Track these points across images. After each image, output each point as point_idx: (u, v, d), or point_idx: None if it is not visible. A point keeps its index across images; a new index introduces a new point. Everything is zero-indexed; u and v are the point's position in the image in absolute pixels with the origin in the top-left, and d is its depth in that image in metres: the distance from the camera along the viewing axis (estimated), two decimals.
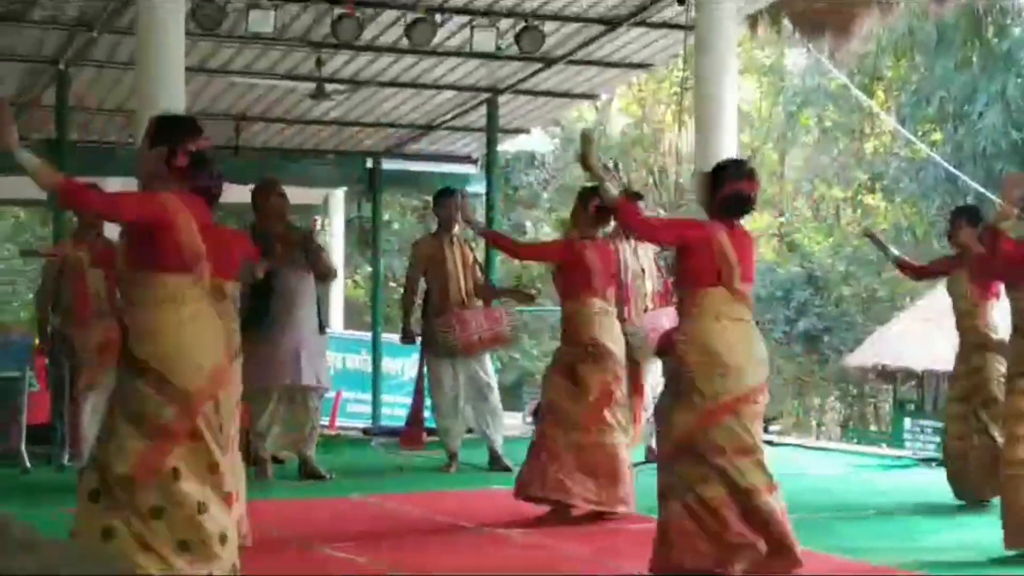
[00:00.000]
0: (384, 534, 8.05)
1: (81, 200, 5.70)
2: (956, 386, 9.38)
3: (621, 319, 9.62)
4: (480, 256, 12.76)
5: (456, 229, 11.19)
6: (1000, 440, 8.13)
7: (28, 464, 10.90)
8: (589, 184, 8.64)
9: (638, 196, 11.00)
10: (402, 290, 11.97)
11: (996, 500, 7.97)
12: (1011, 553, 7.04)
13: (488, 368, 11.24)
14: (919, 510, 9.10)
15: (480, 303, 11.04)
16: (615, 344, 8.53)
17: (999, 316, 8.94)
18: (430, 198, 22.36)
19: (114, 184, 12.79)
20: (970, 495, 9.07)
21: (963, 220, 9.20)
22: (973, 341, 9.09)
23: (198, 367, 5.47)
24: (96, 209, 6.19)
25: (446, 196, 11.38)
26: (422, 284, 11.20)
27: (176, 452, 5.40)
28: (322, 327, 10.62)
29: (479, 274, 11.27)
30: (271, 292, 9.91)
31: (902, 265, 9.94)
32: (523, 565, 7.15)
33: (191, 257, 5.54)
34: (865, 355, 24.63)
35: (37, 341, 11.70)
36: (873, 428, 28.87)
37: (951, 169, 22.43)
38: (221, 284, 6.60)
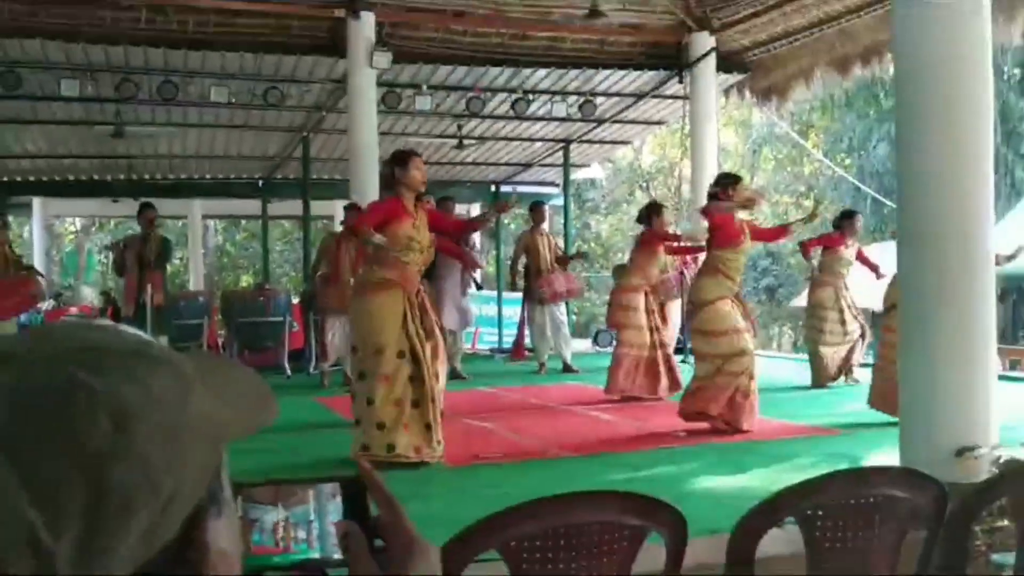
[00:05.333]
0: (500, 410, 8.14)
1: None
2: None
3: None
4: (560, 242, 12.78)
5: (544, 225, 11.17)
6: None
7: (289, 373, 11.18)
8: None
9: (661, 206, 11.04)
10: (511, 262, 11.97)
11: None
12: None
13: (563, 311, 11.23)
14: (830, 391, 9.00)
15: (559, 268, 10.99)
16: None
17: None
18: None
19: (338, 204, 13.05)
20: None
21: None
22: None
23: None
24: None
25: (537, 205, 11.41)
26: (523, 259, 11.21)
27: None
28: (466, 290, 10.70)
29: (559, 252, 11.25)
30: (434, 265, 10.07)
31: None
32: (582, 426, 7.23)
33: None
34: (803, 299, 24.19)
35: (297, 299, 11.90)
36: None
37: (857, 183, 22.04)
38: None
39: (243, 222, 29.33)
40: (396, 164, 5.74)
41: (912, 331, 4.43)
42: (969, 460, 3.98)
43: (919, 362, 4.38)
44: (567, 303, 11.91)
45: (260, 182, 17.02)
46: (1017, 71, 24.81)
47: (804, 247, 9.61)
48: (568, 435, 6.72)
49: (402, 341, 5.53)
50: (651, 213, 9.04)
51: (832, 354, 9.23)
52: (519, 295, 11.96)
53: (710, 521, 3.68)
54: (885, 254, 9.30)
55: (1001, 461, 3.90)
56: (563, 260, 11.20)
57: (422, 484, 5.12)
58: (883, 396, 6.87)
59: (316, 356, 10.75)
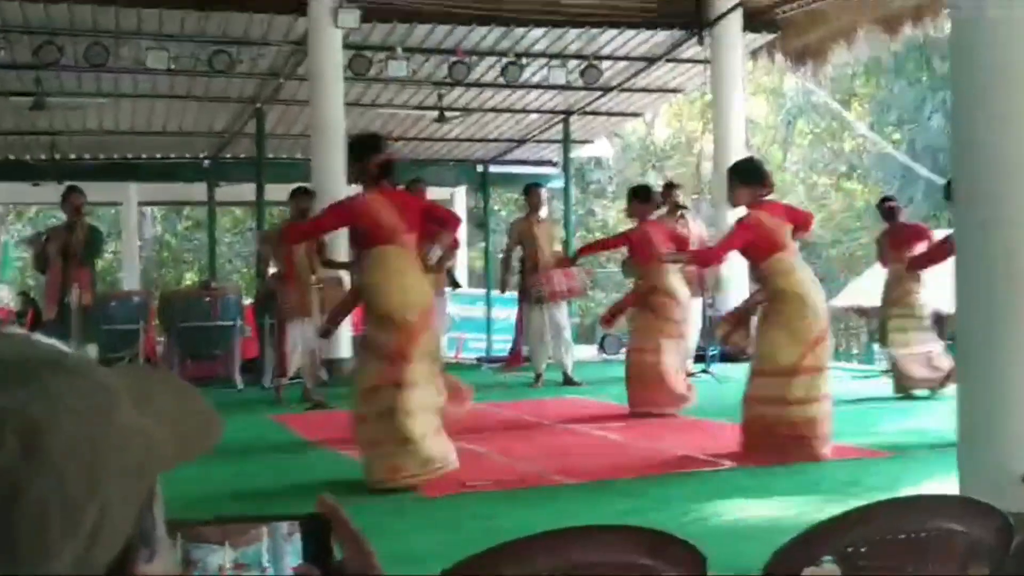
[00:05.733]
0: (490, 429, 8.10)
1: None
2: None
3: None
4: (560, 232, 12.80)
5: (542, 212, 11.20)
6: None
7: (241, 386, 11.17)
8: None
9: (676, 186, 11.09)
10: (502, 255, 12.06)
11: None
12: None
13: (564, 313, 11.25)
14: (878, 406, 9.02)
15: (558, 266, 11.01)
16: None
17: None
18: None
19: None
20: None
21: None
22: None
23: (405, 307, 5.72)
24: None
25: (533, 187, 11.40)
26: (518, 251, 11.25)
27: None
28: (441, 288, 10.82)
29: (559, 245, 11.23)
30: None
31: None
32: (585, 448, 7.24)
33: (390, 233, 5.77)
34: (846, 298, 24.33)
35: (251, 300, 11.86)
36: (854, 351, 28.47)
37: (907, 160, 22.15)
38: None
39: (186, 209, 29.29)
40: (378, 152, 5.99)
41: (971, 336, 4.44)
42: None
43: (979, 372, 4.40)
44: (569, 303, 11.91)
45: (206, 162, 17.01)
46: None
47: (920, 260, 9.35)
48: (569, 458, 6.72)
49: None
50: (639, 200, 8.89)
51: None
52: (513, 294, 11.94)
53: (734, 558, 3.68)
54: None
55: None
56: (564, 260, 11.14)
57: (397, 518, 5.13)
58: None
59: (273, 367, 10.73)
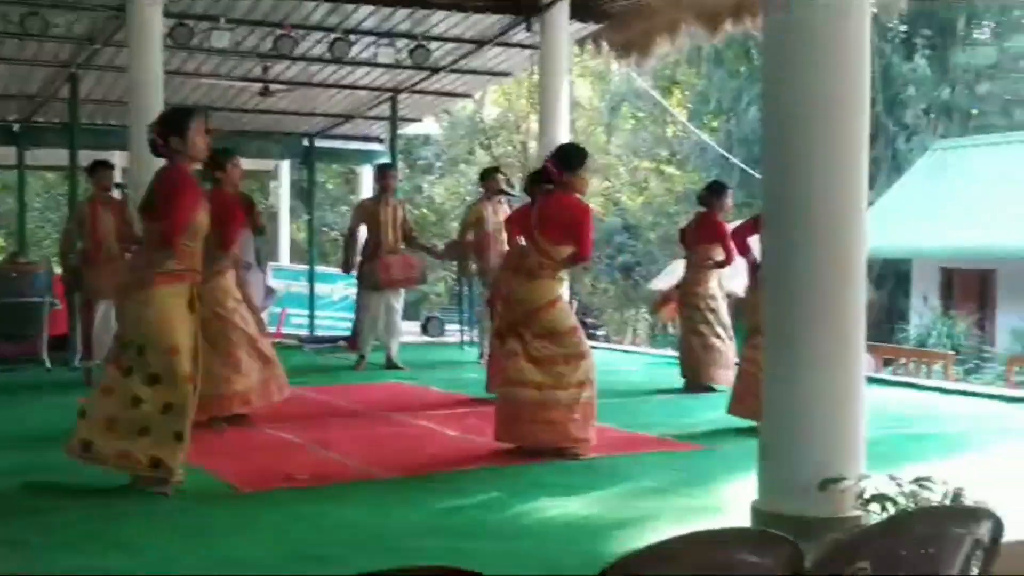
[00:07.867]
0: (307, 416, 7.96)
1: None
2: None
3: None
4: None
5: (393, 193, 11.05)
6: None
7: (49, 365, 10.75)
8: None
9: (497, 170, 11.17)
10: (344, 235, 11.83)
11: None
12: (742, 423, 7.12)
13: (400, 299, 11.12)
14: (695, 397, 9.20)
15: (404, 249, 10.79)
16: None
17: None
18: (352, 166, 22.26)
19: (116, 156, 12.62)
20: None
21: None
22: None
23: None
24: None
25: (386, 169, 11.26)
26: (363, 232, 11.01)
27: None
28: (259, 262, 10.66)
29: (408, 228, 10.96)
30: None
31: None
32: (408, 439, 7.23)
33: None
34: (664, 280, 24.95)
35: (60, 272, 11.40)
36: (672, 333, 29.22)
37: (723, 152, 22.88)
38: None
39: None
40: (172, 132, 5.36)
41: (777, 337, 4.52)
42: (834, 493, 4.15)
43: (783, 375, 4.47)
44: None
45: (16, 126, 16.22)
46: (904, 29, 25.68)
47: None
48: (390, 451, 6.70)
49: (192, 337, 5.43)
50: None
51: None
52: (336, 271, 11.81)
53: (543, 559, 3.74)
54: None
55: (866, 497, 4.09)
56: (412, 240, 11.00)
57: (203, 518, 4.98)
58: (741, 399, 7.20)
59: (81, 348, 10.35)
